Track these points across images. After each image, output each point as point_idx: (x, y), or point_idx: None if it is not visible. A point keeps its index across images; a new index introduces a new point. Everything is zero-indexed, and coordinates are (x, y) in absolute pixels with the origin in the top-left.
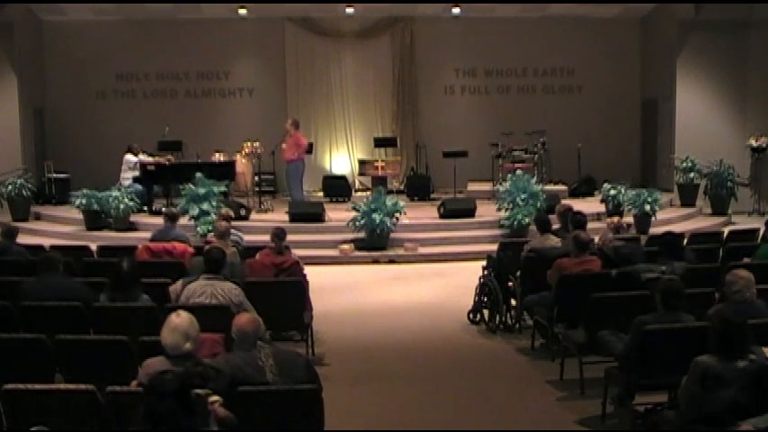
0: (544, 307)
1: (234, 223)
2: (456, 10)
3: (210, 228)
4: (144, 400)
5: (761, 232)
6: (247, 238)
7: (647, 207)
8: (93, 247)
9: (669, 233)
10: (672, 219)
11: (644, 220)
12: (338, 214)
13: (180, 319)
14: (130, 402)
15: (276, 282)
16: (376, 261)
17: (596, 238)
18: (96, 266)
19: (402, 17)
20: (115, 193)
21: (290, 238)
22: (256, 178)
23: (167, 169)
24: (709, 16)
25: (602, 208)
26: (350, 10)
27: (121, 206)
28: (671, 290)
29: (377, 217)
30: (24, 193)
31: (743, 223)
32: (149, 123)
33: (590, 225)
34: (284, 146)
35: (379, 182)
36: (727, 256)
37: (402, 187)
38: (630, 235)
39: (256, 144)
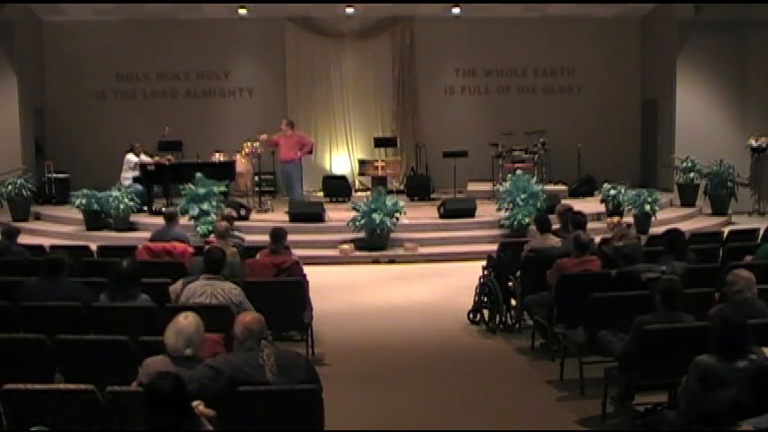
0: (544, 307)
1: (234, 223)
2: (456, 10)
3: (210, 228)
4: (142, 403)
5: (761, 232)
6: (247, 238)
7: (647, 207)
8: (93, 247)
9: (674, 229)
10: (672, 219)
11: (644, 220)
12: (338, 214)
13: (186, 322)
14: (130, 402)
15: (276, 282)
16: (376, 261)
17: (597, 238)
18: (96, 266)
19: (402, 17)
20: (115, 193)
21: (290, 238)
22: (256, 178)
23: (167, 169)
24: (709, 16)
25: (602, 208)
26: (350, 10)
27: (121, 206)
28: (671, 290)
29: (377, 217)
30: (24, 193)
31: (743, 223)
32: (149, 123)
33: (590, 225)
34: (280, 143)
35: (379, 182)
36: (727, 256)
37: (402, 187)
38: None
39: (256, 144)
